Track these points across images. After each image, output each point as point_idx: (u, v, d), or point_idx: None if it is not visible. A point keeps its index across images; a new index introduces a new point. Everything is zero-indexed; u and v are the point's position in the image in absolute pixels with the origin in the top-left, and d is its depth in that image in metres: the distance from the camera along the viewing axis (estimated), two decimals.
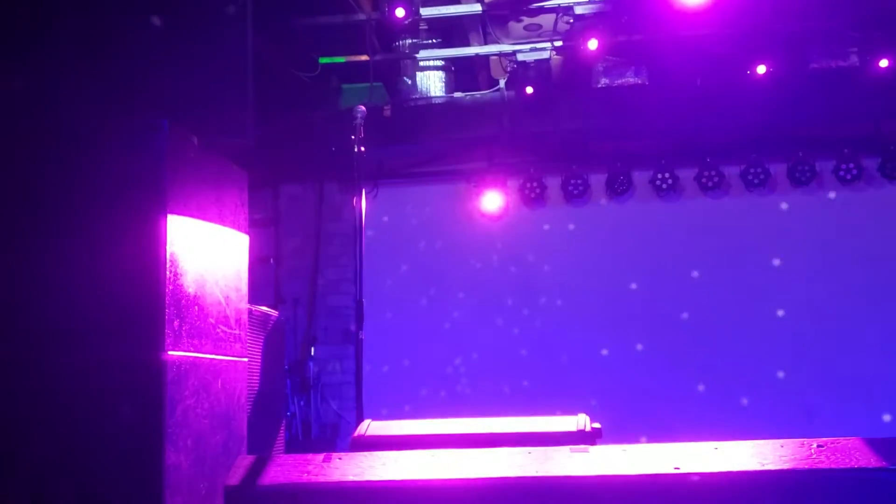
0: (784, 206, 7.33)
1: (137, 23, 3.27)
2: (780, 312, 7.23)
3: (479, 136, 7.21)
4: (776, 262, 7.28)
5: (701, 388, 7.16)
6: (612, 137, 7.41)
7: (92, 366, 2.97)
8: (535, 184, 7.49)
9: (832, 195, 7.29)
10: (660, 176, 7.33)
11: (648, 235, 7.47)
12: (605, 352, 7.38)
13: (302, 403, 7.03)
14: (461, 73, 7.01)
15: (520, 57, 6.56)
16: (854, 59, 6.32)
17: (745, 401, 7.08)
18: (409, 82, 6.86)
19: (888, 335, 7.05)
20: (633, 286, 7.41)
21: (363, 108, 4.87)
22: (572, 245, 7.58)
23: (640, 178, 7.45)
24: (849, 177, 7.14)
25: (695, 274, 7.37)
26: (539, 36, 6.47)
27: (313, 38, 6.54)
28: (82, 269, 3.03)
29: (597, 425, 3.53)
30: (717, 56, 6.40)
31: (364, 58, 6.55)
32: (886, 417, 6.93)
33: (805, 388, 7.05)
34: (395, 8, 6.07)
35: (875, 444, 3.05)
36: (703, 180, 7.29)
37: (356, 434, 3.59)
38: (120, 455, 2.93)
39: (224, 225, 3.43)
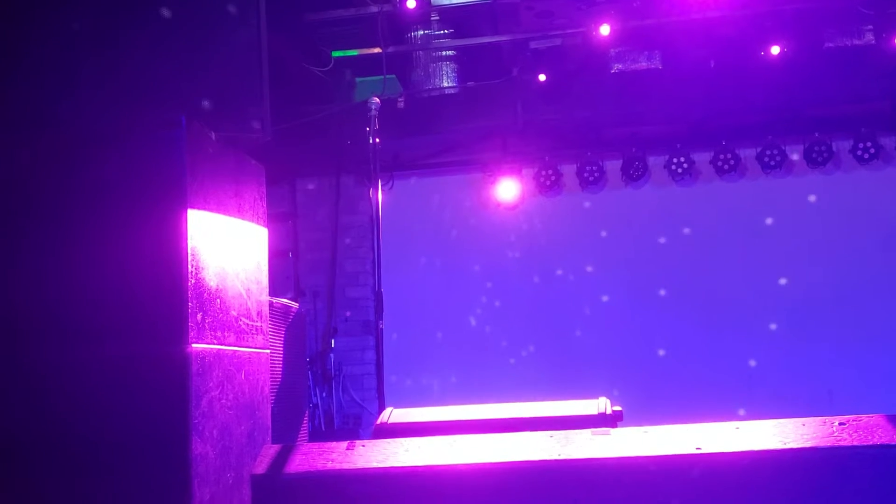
0: (812, 198, 7.27)
1: (152, 20, 3.31)
2: (799, 293, 7.20)
3: (493, 125, 7.22)
4: (794, 243, 7.25)
5: (719, 369, 7.15)
6: (626, 123, 7.39)
7: (118, 360, 3.01)
8: (550, 171, 7.49)
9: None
10: (675, 160, 7.31)
11: (665, 220, 7.46)
12: (623, 336, 7.39)
13: (324, 395, 7.09)
14: (473, 63, 7.02)
15: (532, 45, 6.56)
16: (869, 36, 6.27)
17: (765, 379, 7.06)
18: (422, 73, 6.88)
19: None
20: (651, 271, 7.40)
21: (377, 99, 4.90)
22: (589, 232, 7.58)
23: (655, 162, 7.43)
24: (867, 156, 7.09)
25: (713, 257, 7.35)
26: (551, 23, 6.46)
27: (326, 32, 6.58)
28: (105, 265, 3.07)
29: (618, 408, 3.54)
30: (730, 38, 6.37)
31: (377, 50, 6.58)
32: None
33: (825, 366, 7.02)
34: None
35: None
36: (719, 163, 7.26)
37: (378, 422, 3.63)
38: (148, 447, 2.98)
39: (243, 218, 3.47)
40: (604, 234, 7.56)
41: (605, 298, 7.47)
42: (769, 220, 7.33)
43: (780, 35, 6.38)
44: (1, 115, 3.25)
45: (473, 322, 7.62)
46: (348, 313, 7.55)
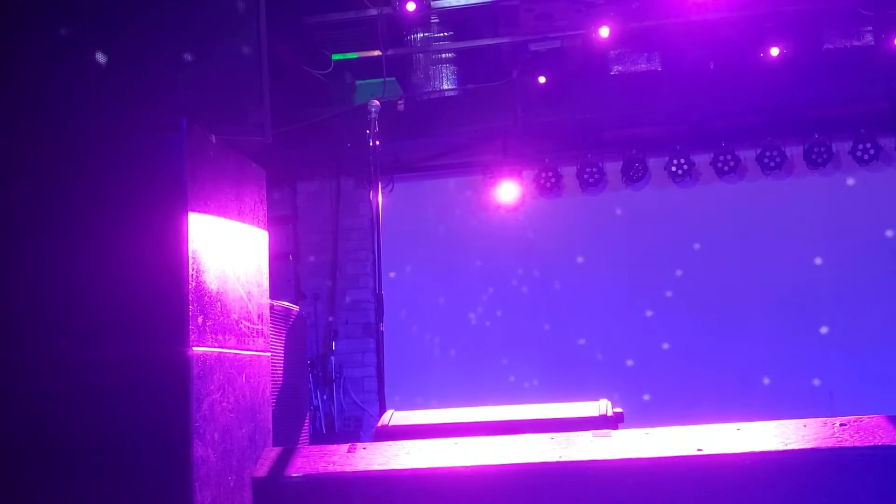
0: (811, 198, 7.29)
1: (153, 22, 3.31)
2: (800, 293, 7.20)
3: (493, 127, 7.23)
4: (794, 244, 7.25)
5: (720, 370, 7.15)
6: (626, 124, 7.40)
7: (118, 363, 3.01)
8: (550, 173, 7.50)
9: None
10: (675, 162, 7.32)
11: (665, 222, 7.46)
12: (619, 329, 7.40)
13: (325, 397, 7.09)
14: (473, 65, 7.03)
15: (532, 47, 6.57)
16: (868, 38, 6.28)
17: (766, 381, 7.07)
18: (422, 76, 6.89)
19: None
20: (651, 272, 7.41)
21: (377, 102, 4.90)
22: (589, 233, 7.59)
23: (655, 164, 7.44)
24: (866, 157, 7.10)
25: (713, 258, 7.36)
26: (550, 25, 6.47)
27: (326, 35, 6.59)
28: (105, 267, 3.07)
29: (618, 410, 3.54)
30: (730, 39, 6.38)
31: (376, 53, 6.59)
32: None
33: (825, 367, 7.03)
34: (406, 2, 6.10)
35: None
36: (719, 165, 7.27)
37: (380, 424, 3.62)
38: (149, 449, 2.97)
39: (244, 222, 3.47)
40: (604, 236, 7.56)
41: (603, 301, 7.47)
42: (769, 222, 7.33)
43: (780, 36, 6.39)
44: (0, 116, 3.25)
45: (474, 321, 7.62)
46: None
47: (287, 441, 4.13)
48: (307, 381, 5.89)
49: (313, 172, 7.79)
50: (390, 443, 3.26)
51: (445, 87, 6.93)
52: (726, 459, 2.99)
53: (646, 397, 7.06)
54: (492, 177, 7.53)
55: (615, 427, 3.42)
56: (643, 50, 6.53)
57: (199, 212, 3.10)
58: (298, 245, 7.80)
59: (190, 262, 3.03)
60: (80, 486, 2.99)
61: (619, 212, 7.55)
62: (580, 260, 7.55)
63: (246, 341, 3.39)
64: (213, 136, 3.25)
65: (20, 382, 3.04)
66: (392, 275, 7.45)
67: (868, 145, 7.07)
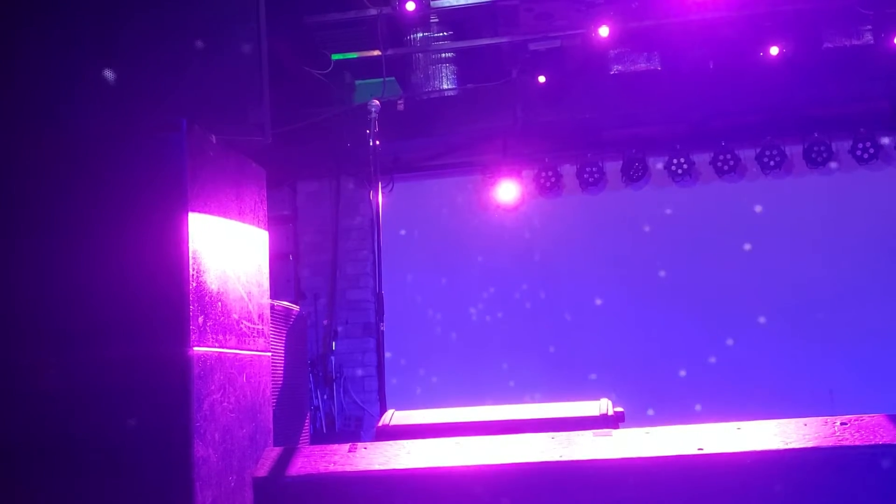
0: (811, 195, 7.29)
1: (153, 22, 3.31)
2: (800, 293, 7.20)
3: (492, 126, 7.23)
4: (794, 242, 7.25)
5: (720, 372, 7.15)
6: (626, 124, 7.40)
7: (119, 363, 3.01)
8: (550, 173, 7.50)
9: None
10: (675, 161, 7.32)
11: (665, 221, 7.46)
12: (622, 336, 7.39)
13: (325, 397, 7.09)
14: (473, 65, 7.03)
15: (531, 47, 6.57)
16: (868, 37, 6.29)
17: (765, 381, 7.06)
18: (422, 75, 6.89)
19: None
20: (651, 272, 7.40)
21: (377, 102, 4.90)
22: (589, 233, 7.59)
23: (655, 163, 7.44)
24: (866, 156, 7.10)
25: (713, 257, 7.36)
26: (550, 24, 6.47)
27: (326, 34, 6.59)
28: (106, 268, 3.07)
29: (619, 409, 3.54)
30: (729, 39, 6.38)
31: (376, 53, 6.59)
32: None
33: (826, 366, 7.03)
34: (406, 2, 6.10)
35: None
36: (719, 164, 7.27)
37: (380, 424, 3.62)
38: (149, 450, 2.97)
39: (244, 222, 3.47)
40: (604, 235, 7.55)
41: (602, 301, 7.46)
42: (769, 221, 7.33)
43: (779, 35, 6.39)
44: (1, 116, 3.25)
45: (475, 317, 7.62)
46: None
47: (288, 441, 4.13)
48: (307, 380, 5.89)
49: (313, 172, 7.79)
50: (391, 442, 3.26)
51: (445, 86, 6.93)
52: (727, 459, 2.99)
53: (645, 396, 7.06)
54: (491, 176, 7.53)
55: (616, 426, 3.42)
56: (643, 49, 6.53)
57: (199, 212, 3.10)
58: (298, 245, 7.80)
59: (190, 262, 3.03)
60: (80, 487, 2.99)
61: (618, 211, 7.55)
62: (580, 259, 7.54)
63: (246, 341, 3.39)
64: (214, 136, 3.26)
65: (20, 382, 3.04)
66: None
67: (868, 144, 7.07)
